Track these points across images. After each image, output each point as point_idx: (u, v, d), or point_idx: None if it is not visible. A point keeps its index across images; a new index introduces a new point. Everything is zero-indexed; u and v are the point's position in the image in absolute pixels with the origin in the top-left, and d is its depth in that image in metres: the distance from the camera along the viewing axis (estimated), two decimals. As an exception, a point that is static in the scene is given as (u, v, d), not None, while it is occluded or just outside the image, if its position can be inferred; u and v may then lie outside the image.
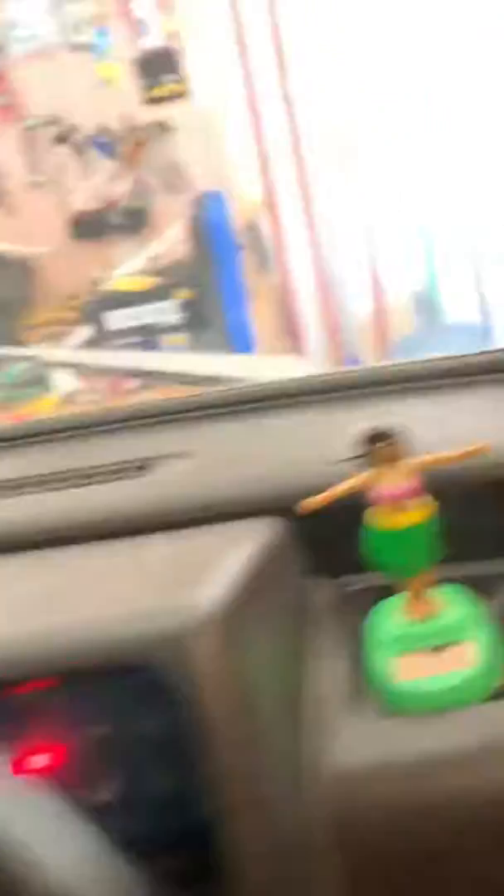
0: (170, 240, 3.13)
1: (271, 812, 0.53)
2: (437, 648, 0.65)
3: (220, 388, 0.90)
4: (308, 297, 3.37)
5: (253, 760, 0.52)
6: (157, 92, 3.37)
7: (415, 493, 0.62)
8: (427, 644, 0.65)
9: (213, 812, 0.51)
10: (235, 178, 3.49)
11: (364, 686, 0.67)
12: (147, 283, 2.73)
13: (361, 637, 0.70)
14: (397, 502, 0.63)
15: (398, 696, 0.63)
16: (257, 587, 0.60)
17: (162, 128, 3.49)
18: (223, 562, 0.60)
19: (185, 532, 0.71)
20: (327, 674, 0.66)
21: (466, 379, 0.85)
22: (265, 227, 3.52)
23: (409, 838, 0.56)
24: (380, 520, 0.64)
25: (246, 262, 3.43)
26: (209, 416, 0.88)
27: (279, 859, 0.53)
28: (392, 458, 0.61)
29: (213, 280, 2.68)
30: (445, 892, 0.56)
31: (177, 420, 0.89)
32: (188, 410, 0.89)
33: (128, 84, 3.40)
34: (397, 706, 0.62)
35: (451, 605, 0.66)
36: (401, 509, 0.63)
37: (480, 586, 0.71)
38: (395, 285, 3.33)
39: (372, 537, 0.65)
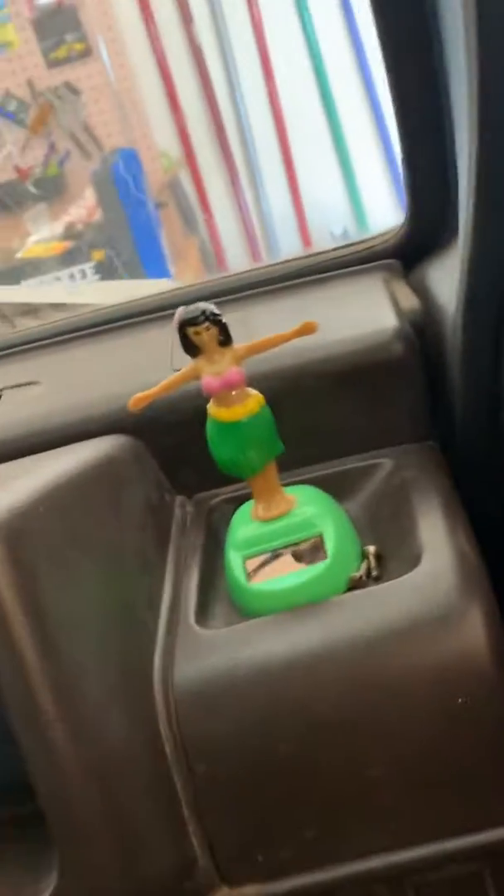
0: (86, 203, 3.05)
1: (100, 734, 0.49)
2: (290, 547, 0.61)
3: (67, 315, 0.85)
4: (235, 255, 3.30)
5: (64, 683, 0.47)
6: (59, 53, 3.25)
7: (241, 381, 0.58)
8: (279, 543, 0.61)
9: (28, 745, 0.47)
10: (150, 136, 3.40)
11: (221, 594, 0.64)
12: (61, 247, 2.64)
13: (221, 544, 0.67)
14: (227, 393, 0.59)
15: (253, 597, 0.59)
16: (75, 500, 0.55)
17: (69, 90, 3.38)
18: (34, 475, 0.55)
19: (34, 455, 0.66)
20: (183, 585, 0.63)
21: (319, 276, 0.81)
22: (187, 186, 3.44)
23: (258, 745, 0.52)
24: (213, 412, 0.60)
25: (171, 222, 3.35)
26: (57, 344, 0.84)
27: (115, 782, 0.49)
28: (213, 344, 0.57)
29: (129, 239, 2.60)
30: (297, 796, 0.53)
31: (25, 351, 0.84)
32: (36, 340, 0.84)
33: (29, 47, 3.28)
34: (254, 608, 0.59)
35: (302, 504, 0.63)
36: (232, 401, 0.59)
37: (337, 485, 0.68)
38: (322, 231, 3.28)
39: (209, 431, 0.61)
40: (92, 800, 0.47)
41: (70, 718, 0.47)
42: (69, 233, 2.94)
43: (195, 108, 3.42)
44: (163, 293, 0.85)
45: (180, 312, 0.56)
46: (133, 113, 3.43)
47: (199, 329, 0.56)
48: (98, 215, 3.02)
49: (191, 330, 0.56)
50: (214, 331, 0.56)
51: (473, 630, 0.52)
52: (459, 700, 0.52)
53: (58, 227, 3.09)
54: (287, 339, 0.58)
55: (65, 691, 0.47)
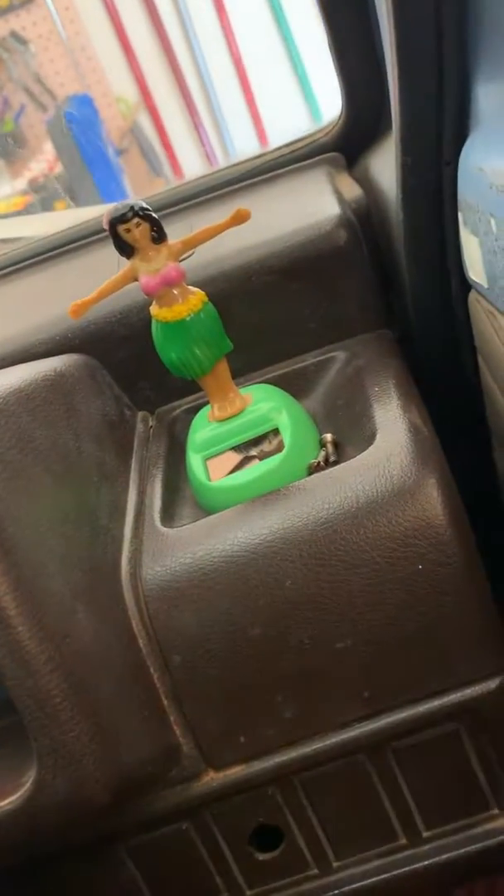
0: (46, 156, 2.99)
1: (66, 631, 0.50)
2: (252, 443, 0.61)
3: (11, 248, 0.84)
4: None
5: (23, 582, 0.48)
6: (0, 1, 3.15)
7: (180, 277, 0.57)
8: (237, 440, 0.62)
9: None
10: (105, 82, 3.31)
11: (186, 498, 0.65)
12: (23, 201, 2.60)
13: (183, 453, 0.67)
14: (168, 292, 0.58)
15: (216, 493, 0.60)
16: (21, 407, 0.55)
17: (16, 40, 3.28)
18: None
19: None
20: (147, 493, 0.63)
21: (269, 175, 0.79)
22: (148, 130, 3.37)
23: (229, 631, 0.53)
24: (156, 313, 0.59)
25: (135, 167, 3.28)
26: (1, 277, 0.83)
27: (86, 676, 0.51)
28: (146, 241, 0.56)
29: (90, 186, 2.55)
30: (272, 676, 0.54)
31: None
32: None
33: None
34: (218, 505, 0.60)
35: (257, 401, 0.63)
36: (173, 300, 0.59)
37: (294, 383, 0.68)
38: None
39: (154, 333, 0.60)
40: (60, 693, 0.48)
41: (32, 614, 0.48)
42: (33, 187, 2.89)
43: (147, 48, 3.33)
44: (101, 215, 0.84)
45: (109, 210, 0.55)
46: (84, 59, 3.34)
47: (130, 226, 0.55)
48: (60, 167, 2.97)
49: (121, 228, 0.55)
50: (146, 227, 0.56)
51: (429, 498, 0.53)
52: (419, 566, 0.52)
53: (20, 183, 3.03)
54: (221, 229, 0.57)
55: (25, 590, 0.48)
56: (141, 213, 0.55)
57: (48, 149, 3.13)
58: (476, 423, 0.74)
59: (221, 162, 3.26)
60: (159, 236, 0.57)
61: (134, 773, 0.52)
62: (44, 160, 3.04)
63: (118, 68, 3.34)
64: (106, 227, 0.56)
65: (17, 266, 0.83)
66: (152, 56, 3.32)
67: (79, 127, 2.56)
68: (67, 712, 0.48)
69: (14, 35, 3.30)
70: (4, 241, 0.92)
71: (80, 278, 0.78)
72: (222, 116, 3.26)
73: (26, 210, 2.49)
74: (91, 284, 0.75)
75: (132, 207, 0.55)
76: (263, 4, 3.15)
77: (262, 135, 3.23)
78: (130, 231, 0.55)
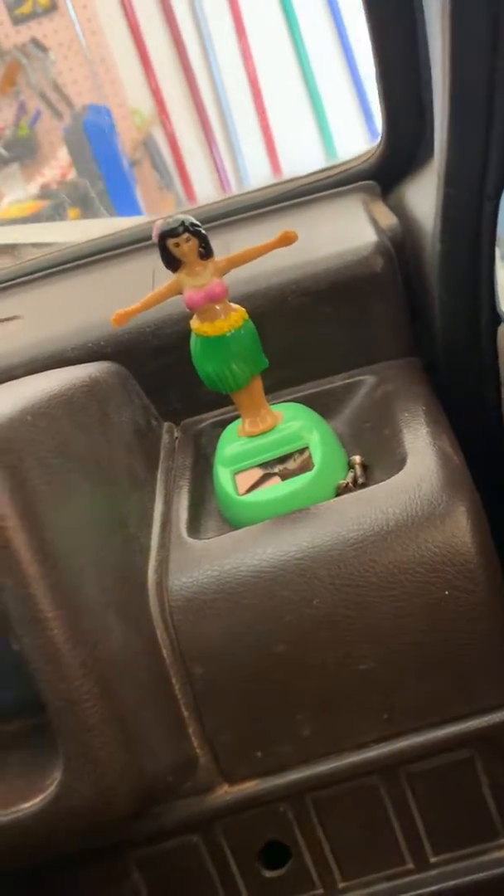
0: (59, 163, 3.00)
1: (97, 636, 0.50)
2: (278, 460, 0.62)
3: (45, 252, 0.85)
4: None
5: (61, 585, 0.49)
6: (24, 8, 3.18)
7: (223, 294, 0.58)
8: (267, 457, 0.62)
9: (28, 645, 0.48)
10: (122, 93, 3.34)
11: (212, 511, 0.65)
12: (36, 206, 2.61)
13: (210, 465, 0.68)
14: (210, 307, 0.59)
15: (244, 508, 0.61)
16: (62, 412, 0.56)
17: (37, 47, 3.31)
18: (20, 391, 0.56)
19: (18, 379, 0.67)
20: (173, 504, 0.64)
21: (305, 199, 0.81)
22: (161, 143, 3.39)
23: (253, 646, 0.54)
24: (196, 327, 0.60)
25: (146, 179, 3.30)
26: (37, 280, 0.84)
27: (114, 682, 0.51)
28: (193, 256, 0.57)
29: (104, 196, 2.57)
30: (292, 693, 0.54)
31: (5, 289, 0.84)
32: (15, 278, 0.84)
33: (-6, 5, 3.20)
34: (245, 520, 0.60)
35: (288, 419, 0.64)
36: (215, 315, 0.59)
37: (322, 403, 0.69)
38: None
39: (193, 347, 0.61)
40: (91, 698, 0.49)
41: (68, 619, 0.48)
42: (44, 193, 2.90)
43: (166, 63, 3.36)
44: (140, 225, 0.85)
45: (159, 224, 0.56)
46: (103, 70, 3.37)
47: (179, 240, 0.56)
48: (72, 174, 2.98)
49: (170, 242, 0.56)
50: (194, 242, 0.56)
51: (458, 525, 0.54)
52: (446, 592, 0.53)
53: (32, 188, 3.05)
54: (267, 249, 0.58)
55: (62, 593, 0.48)
56: (191, 228, 0.56)
57: (62, 155, 3.14)
58: (496, 457, 0.75)
59: (233, 183, 3.29)
60: (206, 252, 0.58)
61: (155, 782, 0.52)
62: (57, 167, 3.06)
63: (136, 81, 3.37)
64: (156, 239, 0.56)
65: (52, 270, 0.84)
66: (170, 71, 3.36)
67: (96, 136, 2.58)
68: (97, 717, 0.48)
69: (35, 42, 3.33)
70: (38, 245, 0.93)
71: (114, 287, 0.79)
72: (237, 138, 3.29)
73: (37, 216, 2.50)
74: (125, 294, 0.76)
75: (183, 223, 0.56)
76: (285, 34, 3.19)
77: (274, 162, 3.26)
78: (179, 245, 0.56)
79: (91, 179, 2.64)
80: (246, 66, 3.24)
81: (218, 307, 0.59)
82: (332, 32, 3.14)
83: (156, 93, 3.38)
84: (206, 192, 3.31)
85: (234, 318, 0.60)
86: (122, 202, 2.57)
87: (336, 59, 3.16)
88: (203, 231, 0.57)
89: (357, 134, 3.09)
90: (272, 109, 3.23)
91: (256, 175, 3.29)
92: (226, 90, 3.29)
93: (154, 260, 0.77)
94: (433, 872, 0.59)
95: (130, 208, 2.68)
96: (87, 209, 2.57)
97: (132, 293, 0.62)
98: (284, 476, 0.61)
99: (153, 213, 3.02)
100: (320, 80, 3.15)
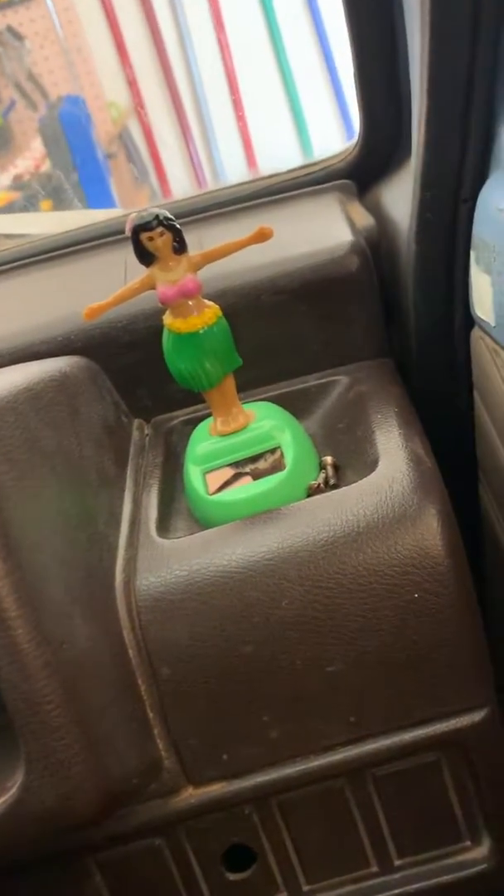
0: (33, 154, 2.96)
1: (62, 636, 0.49)
2: (249, 459, 0.62)
3: (16, 244, 0.83)
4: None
5: (26, 584, 0.48)
6: (-1, -5, 3.13)
7: (197, 290, 0.58)
8: (238, 456, 0.62)
9: None
10: (98, 84, 3.31)
11: (181, 510, 0.64)
12: (8, 198, 2.58)
13: (180, 463, 0.67)
14: (183, 303, 0.58)
15: (214, 508, 0.60)
16: (30, 406, 0.55)
17: (13, 35, 3.26)
18: None
19: None
20: (143, 502, 0.63)
21: (281, 196, 0.80)
22: (137, 136, 3.37)
23: (221, 647, 0.53)
24: (169, 323, 0.59)
25: (121, 173, 3.27)
26: (6, 272, 0.82)
27: (79, 683, 0.50)
28: (167, 251, 0.56)
29: (78, 188, 2.54)
30: (260, 695, 0.54)
31: None
32: None
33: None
34: (215, 519, 0.59)
35: (260, 418, 0.63)
36: (189, 311, 0.59)
37: (295, 403, 0.68)
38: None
39: (165, 343, 0.60)
40: (55, 699, 0.48)
41: (32, 619, 0.47)
42: (17, 184, 2.86)
43: (143, 55, 3.34)
44: (114, 218, 0.84)
45: (133, 218, 0.55)
46: (80, 60, 3.34)
47: (153, 234, 0.55)
48: (46, 166, 2.95)
49: (144, 235, 0.55)
50: (168, 236, 0.56)
51: (429, 528, 0.53)
52: (416, 595, 0.53)
53: (5, 179, 3.00)
54: (242, 245, 0.58)
55: (26, 592, 0.47)
56: (165, 222, 0.55)
57: (35, 146, 3.10)
58: (464, 457, 0.75)
59: (209, 178, 3.27)
60: (181, 247, 0.57)
61: (119, 785, 0.51)
62: (30, 158, 3.02)
63: (112, 73, 3.34)
64: (129, 233, 0.56)
65: (22, 262, 0.82)
66: (147, 64, 3.33)
67: (71, 128, 2.55)
68: (60, 719, 0.47)
69: (10, 30, 3.28)
70: (9, 236, 0.91)
71: (85, 280, 0.78)
72: (213, 133, 3.27)
73: (9, 207, 2.47)
74: (96, 287, 0.75)
75: (157, 216, 0.55)
76: (263, 29, 3.19)
77: (251, 158, 3.25)
78: (153, 239, 0.55)
79: (65, 172, 2.61)
80: (224, 60, 3.23)
81: (191, 303, 0.58)
82: (311, 27, 3.14)
83: (132, 85, 3.35)
84: (182, 187, 3.29)
85: (208, 314, 0.59)
86: (97, 195, 2.54)
87: (314, 56, 3.15)
88: (177, 225, 0.56)
89: (334, 132, 3.09)
90: (249, 105, 3.22)
91: (232, 171, 3.28)
92: (203, 85, 3.28)
93: (126, 254, 0.76)
94: (397, 875, 0.59)
95: (105, 202, 2.66)
96: (60, 201, 2.54)
97: (104, 287, 0.61)
98: (255, 476, 0.61)
99: (128, 208, 2.99)
100: (298, 76, 3.15)
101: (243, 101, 3.22)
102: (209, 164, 3.34)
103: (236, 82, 3.22)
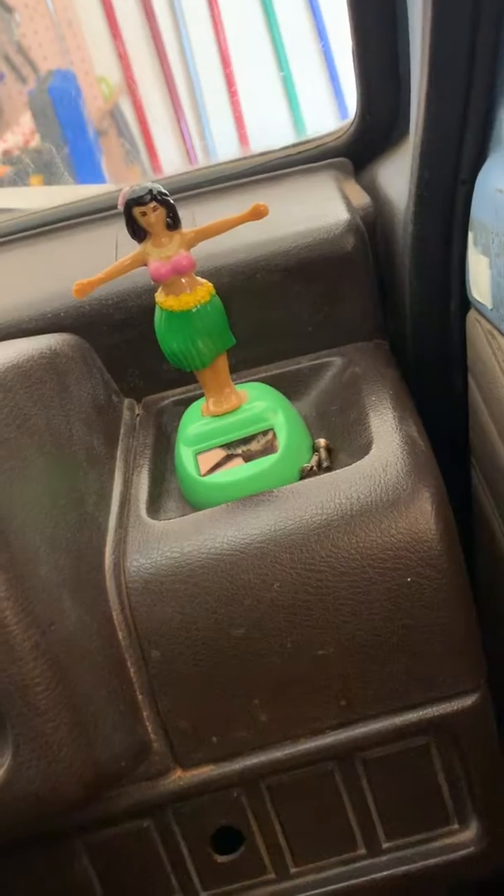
0: (22, 129, 2.92)
1: (51, 617, 0.48)
2: (241, 441, 0.61)
3: (5, 218, 0.82)
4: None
5: (14, 563, 0.47)
6: (-11, -34, 3.07)
7: (190, 267, 0.57)
8: (230, 437, 0.61)
9: None
10: (88, 60, 3.26)
11: (172, 491, 0.63)
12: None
13: (171, 444, 0.66)
14: (176, 280, 0.57)
15: (206, 489, 0.59)
16: (19, 382, 0.54)
17: (1, 7, 3.20)
18: None
19: None
20: (133, 482, 0.62)
21: (276, 173, 0.79)
22: (128, 114, 3.32)
23: (211, 629, 0.53)
24: (161, 301, 0.58)
25: (111, 151, 3.23)
26: None
27: (68, 665, 0.49)
28: (160, 227, 0.55)
29: (68, 164, 2.51)
30: (250, 678, 0.53)
31: None
32: None
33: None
34: (206, 501, 0.59)
35: (253, 399, 0.63)
36: (181, 289, 0.57)
37: (288, 384, 0.68)
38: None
39: (157, 322, 0.59)
40: (43, 681, 0.47)
41: (20, 599, 0.46)
42: (6, 159, 2.82)
43: (135, 31, 3.29)
44: (105, 193, 0.82)
45: (125, 192, 0.54)
46: (70, 35, 3.28)
47: (146, 209, 0.54)
48: (36, 141, 2.90)
49: (137, 210, 0.54)
50: (162, 212, 0.54)
51: (422, 511, 0.53)
52: (408, 579, 0.53)
53: (-7, 153, 2.96)
54: (237, 222, 0.57)
55: (15, 573, 0.47)
56: (159, 197, 0.54)
57: (24, 121, 3.06)
58: (456, 440, 0.74)
59: (201, 156, 3.24)
60: (174, 223, 0.56)
61: (108, 767, 0.51)
62: (20, 133, 2.98)
63: (103, 48, 3.28)
64: (121, 207, 0.54)
65: (10, 238, 0.81)
66: (139, 40, 3.28)
67: (61, 102, 2.51)
68: (49, 701, 0.46)
69: (-1, 2, 3.22)
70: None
71: (76, 256, 0.76)
72: (205, 111, 3.24)
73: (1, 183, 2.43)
74: (87, 263, 0.74)
75: (151, 191, 0.54)
76: (258, 6, 3.14)
77: (243, 137, 3.21)
78: (146, 214, 0.54)
79: (55, 147, 2.58)
80: (217, 38, 3.18)
81: (184, 281, 0.57)
82: (306, 4, 3.10)
83: (124, 62, 3.30)
84: (174, 165, 3.26)
85: (201, 292, 0.58)
86: (87, 172, 2.51)
87: (308, 35, 3.12)
88: (171, 200, 0.55)
89: (327, 112, 3.06)
90: (242, 84, 3.18)
91: (224, 150, 3.24)
92: (195, 61, 3.23)
93: (117, 230, 0.75)
94: (385, 858, 0.59)
95: (95, 179, 2.62)
96: (51, 175, 2.50)
97: (94, 264, 0.60)
98: (247, 458, 0.60)
99: (119, 184, 2.95)
100: (292, 55, 3.11)
101: (236, 78, 3.18)
102: (201, 142, 3.31)
103: (229, 60, 3.18)
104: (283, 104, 3.16)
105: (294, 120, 3.10)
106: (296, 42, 3.10)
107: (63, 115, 2.55)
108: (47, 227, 0.81)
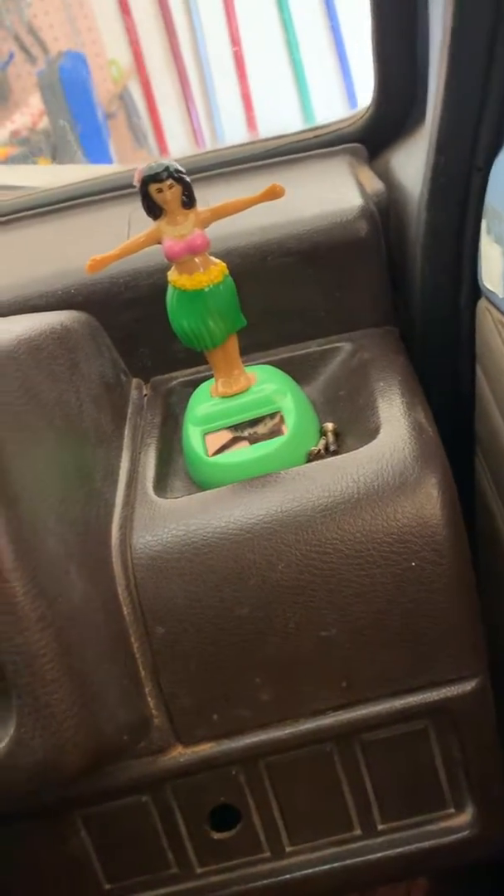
0: (31, 110, 2.91)
1: (58, 591, 0.49)
2: (249, 423, 0.61)
3: (17, 195, 0.82)
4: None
5: (23, 535, 0.47)
6: None
7: (204, 246, 0.57)
8: (239, 419, 0.61)
9: None
10: (99, 42, 3.24)
11: (179, 471, 0.64)
12: (5, 153, 2.53)
13: (178, 425, 0.67)
14: (190, 259, 0.57)
15: (213, 470, 0.59)
16: (30, 356, 0.54)
17: (13, -14, 3.18)
18: None
19: None
20: (140, 461, 0.62)
21: (290, 157, 0.79)
22: (137, 97, 3.31)
23: (216, 608, 0.53)
24: (174, 280, 0.58)
25: (120, 134, 3.22)
26: (7, 223, 0.80)
27: (73, 638, 0.49)
28: (176, 205, 0.55)
29: (77, 145, 2.50)
30: (253, 657, 0.54)
31: None
32: None
33: None
34: (213, 481, 0.59)
35: (262, 381, 0.63)
36: (194, 268, 0.58)
37: (297, 368, 0.68)
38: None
39: (169, 300, 0.59)
40: (48, 653, 0.47)
41: (28, 571, 0.47)
42: (15, 140, 2.81)
43: (146, 14, 3.27)
44: (118, 172, 0.82)
45: (142, 169, 0.54)
46: (81, 16, 3.26)
47: (162, 186, 0.54)
48: (44, 122, 2.89)
49: (153, 187, 0.54)
50: (178, 189, 0.54)
51: (428, 497, 0.53)
52: (412, 563, 0.53)
53: (2, 133, 2.95)
54: (253, 202, 0.57)
55: (23, 545, 0.47)
56: (175, 174, 0.54)
57: (34, 102, 3.04)
58: (463, 429, 0.75)
59: (209, 141, 3.22)
60: (189, 201, 0.55)
61: (109, 741, 0.51)
62: (28, 114, 2.96)
63: (114, 30, 3.27)
64: (137, 184, 0.54)
65: (24, 214, 0.81)
66: (150, 23, 3.26)
67: (71, 84, 2.50)
68: (54, 673, 0.47)
69: (10, -19, 3.20)
70: (11, 188, 0.89)
71: (88, 234, 0.76)
72: (214, 96, 3.22)
73: (7, 161, 2.42)
74: (98, 242, 0.73)
75: (167, 168, 0.54)
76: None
77: (252, 125, 3.20)
78: (162, 192, 0.54)
79: (64, 126, 2.57)
80: (229, 25, 3.16)
81: (198, 260, 0.57)
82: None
83: (134, 45, 3.28)
84: (181, 150, 3.24)
85: (214, 272, 0.58)
86: (95, 154, 2.50)
87: (320, 22, 3.10)
88: (187, 178, 0.55)
89: (337, 100, 3.05)
90: (253, 71, 3.16)
91: (233, 136, 3.23)
92: (206, 46, 3.21)
93: (130, 209, 0.75)
94: (380, 839, 0.60)
95: (103, 161, 2.62)
96: (59, 158, 2.49)
97: (105, 242, 0.60)
98: (255, 440, 0.60)
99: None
100: (303, 43, 3.09)
101: (247, 66, 3.17)
102: (209, 129, 3.29)
103: (241, 46, 3.16)
104: (292, 91, 3.15)
105: (303, 107, 3.09)
106: (307, 30, 3.09)
107: (72, 97, 2.54)
108: (60, 205, 0.81)
